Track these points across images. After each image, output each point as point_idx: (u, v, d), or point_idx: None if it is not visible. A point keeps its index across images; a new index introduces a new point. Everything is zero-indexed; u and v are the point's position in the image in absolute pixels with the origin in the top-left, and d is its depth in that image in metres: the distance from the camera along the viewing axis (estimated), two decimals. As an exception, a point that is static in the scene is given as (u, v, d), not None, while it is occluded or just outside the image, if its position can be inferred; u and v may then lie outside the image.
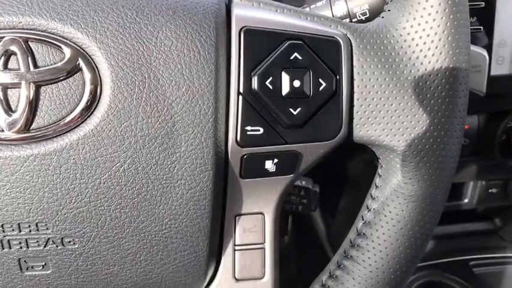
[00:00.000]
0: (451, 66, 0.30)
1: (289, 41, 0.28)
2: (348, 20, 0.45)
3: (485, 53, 0.54)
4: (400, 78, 0.30)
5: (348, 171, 0.81)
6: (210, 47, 0.27)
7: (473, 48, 0.53)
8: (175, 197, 0.28)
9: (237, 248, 0.31)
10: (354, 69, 0.30)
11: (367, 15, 0.42)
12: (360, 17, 0.43)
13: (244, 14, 0.29)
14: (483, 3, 0.53)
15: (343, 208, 0.82)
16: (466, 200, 0.81)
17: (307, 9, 0.46)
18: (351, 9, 0.44)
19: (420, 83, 0.30)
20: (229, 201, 0.30)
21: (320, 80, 0.29)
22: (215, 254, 0.31)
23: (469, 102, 0.57)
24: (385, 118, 0.30)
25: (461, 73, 0.30)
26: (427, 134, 0.30)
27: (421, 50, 0.30)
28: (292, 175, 0.30)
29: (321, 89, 0.29)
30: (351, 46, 0.30)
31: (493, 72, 0.55)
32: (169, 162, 0.27)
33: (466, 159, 0.69)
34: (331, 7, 0.45)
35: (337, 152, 0.31)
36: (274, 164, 0.29)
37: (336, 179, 0.79)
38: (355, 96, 0.30)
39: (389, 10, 0.32)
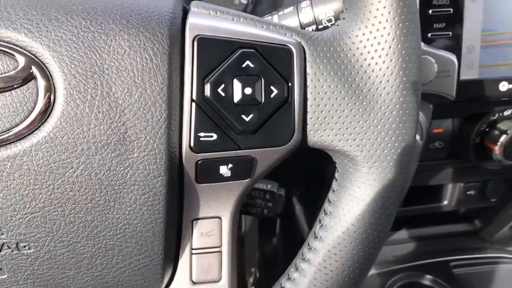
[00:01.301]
0: (401, 73, 0.30)
1: (242, 49, 0.29)
2: (314, 26, 0.45)
3: (454, 58, 0.54)
4: (351, 85, 0.30)
5: (329, 173, 0.82)
6: (163, 55, 0.28)
7: (443, 53, 0.54)
8: (128, 202, 0.28)
9: (194, 251, 0.31)
10: (307, 76, 0.30)
11: (333, 21, 0.42)
12: (325, 23, 0.43)
13: (198, 22, 0.30)
14: (451, 9, 0.53)
15: None
16: (445, 202, 0.82)
17: (276, 16, 0.46)
18: (317, 16, 0.44)
19: (371, 90, 0.30)
20: (186, 205, 0.31)
21: (272, 87, 0.29)
22: (172, 258, 0.31)
23: (441, 106, 0.58)
24: (338, 124, 0.30)
25: (411, 80, 0.30)
26: (378, 139, 0.30)
27: (372, 58, 0.30)
28: (248, 180, 0.31)
29: (272, 96, 0.29)
30: (305, 54, 0.31)
31: (463, 77, 0.56)
32: (122, 168, 0.27)
33: (442, 161, 0.69)
34: (298, 14, 0.45)
35: (293, 156, 0.32)
36: (229, 169, 0.30)
37: (316, 180, 0.80)
38: (309, 102, 0.30)
39: (344, 18, 0.32)
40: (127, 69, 0.27)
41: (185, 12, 0.31)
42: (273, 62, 0.29)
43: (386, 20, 0.30)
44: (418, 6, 0.32)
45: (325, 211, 0.33)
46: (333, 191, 0.33)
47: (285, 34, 0.31)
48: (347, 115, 0.30)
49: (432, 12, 0.53)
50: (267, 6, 0.70)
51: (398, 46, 0.30)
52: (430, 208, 0.83)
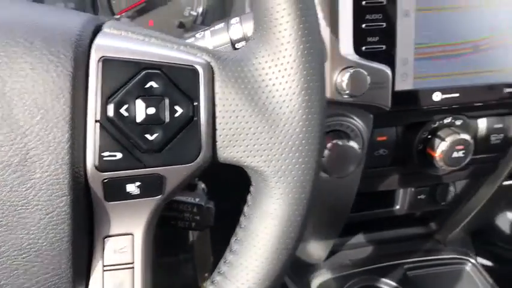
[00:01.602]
0: (303, 93, 0.31)
1: (146, 70, 0.30)
2: (244, 42, 0.46)
3: (388, 70, 0.56)
4: (257, 104, 0.31)
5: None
6: (66, 77, 0.28)
7: (377, 65, 0.56)
8: (32, 222, 0.28)
9: (106, 268, 0.32)
10: (216, 95, 0.31)
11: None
12: (254, 39, 0.44)
13: (105, 43, 0.30)
14: (384, 24, 0.55)
15: None
16: (397, 207, 0.84)
17: (208, 31, 0.47)
18: (246, 32, 0.46)
19: (276, 109, 0.31)
20: (96, 223, 0.31)
21: (176, 106, 0.30)
22: (83, 275, 0.31)
23: (384, 114, 0.59)
24: (245, 141, 0.31)
25: (314, 99, 0.32)
26: (283, 155, 0.31)
27: (276, 78, 0.31)
28: (159, 196, 0.31)
29: (177, 115, 0.30)
30: (213, 74, 0.32)
31: (398, 88, 0.58)
32: (24, 189, 0.28)
33: (387, 168, 0.71)
34: (228, 30, 0.46)
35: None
36: (137, 187, 0.30)
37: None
38: (217, 120, 0.31)
39: (253, 39, 0.33)
40: (29, 91, 0.28)
41: (96, 33, 0.31)
42: (178, 82, 0.30)
43: (288, 42, 0.31)
44: (320, 29, 0.33)
45: (240, 225, 0.34)
46: (248, 205, 0.34)
47: (196, 54, 0.32)
48: (254, 132, 0.31)
49: (365, 26, 0.54)
50: (216, 18, 0.71)
51: (300, 67, 0.31)
52: (383, 212, 0.85)
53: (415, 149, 0.69)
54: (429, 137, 0.68)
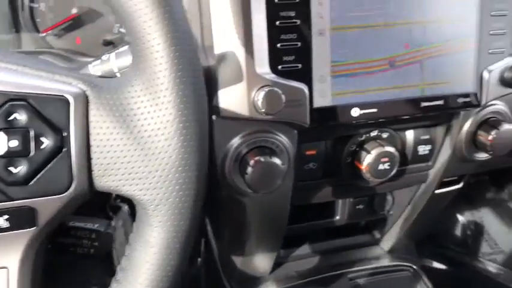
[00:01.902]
0: (177, 120, 0.31)
1: (11, 102, 0.29)
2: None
3: (305, 88, 0.57)
4: (132, 132, 0.31)
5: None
6: None
7: (293, 83, 0.57)
8: None
9: None
10: (90, 124, 0.31)
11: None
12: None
13: None
14: (299, 43, 0.56)
15: (224, 232, 0.84)
16: (337, 217, 0.85)
17: (113, 53, 0.47)
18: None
19: (151, 136, 0.32)
20: None
21: (43, 138, 0.30)
22: None
23: (307, 130, 0.60)
24: (121, 170, 0.31)
25: (188, 126, 0.32)
26: (159, 183, 0.32)
27: (151, 106, 0.32)
28: (33, 229, 0.31)
29: (43, 147, 0.30)
30: (88, 102, 0.31)
31: (316, 105, 0.59)
32: None
33: (320, 181, 0.72)
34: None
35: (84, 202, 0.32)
36: (6, 220, 0.30)
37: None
38: (92, 149, 0.31)
39: (130, 67, 0.34)
40: None
41: None
42: (46, 113, 0.30)
43: (160, 71, 0.31)
44: (198, 59, 0.33)
45: (125, 253, 0.34)
46: (131, 232, 0.34)
47: (70, 83, 0.32)
48: (129, 161, 0.31)
49: (281, 46, 0.55)
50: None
51: (173, 95, 0.31)
52: (323, 224, 0.86)
53: (343, 162, 0.70)
54: (356, 149, 0.70)
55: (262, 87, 0.55)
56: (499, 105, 0.71)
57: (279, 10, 0.54)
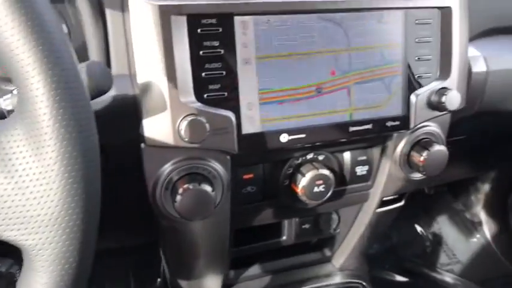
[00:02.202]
0: (57, 164, 0.31)
1: None
2: None
3: (232, 115, 0.58)
4: (14, 176, 0.31)
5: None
6: None
7: (220, 111, 0.57)
8: None
9: None
10: None
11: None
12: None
13: None
14: (224, 72, 0.57)
15: (170, 257, 0.84)
16: (284, 237, 0.85)
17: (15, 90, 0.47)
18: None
19: (32, 181, 0.31)
20: None
21: None
22: None
23: (240, 155, 0.61)
24: (1, 215, 0.31)
25: (71, 170, 0.32)
26: (41, 228, 0.31)
27: (32, 149, 0.31)
28: None
29: None
30: None
31: (245, 131, 0.60)
32: None
33: (261, 203, 0.73)
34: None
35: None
36: None
37: None
38: None
39: (16, 108, 0.33)
40: None
41: None
42: None
43: (40, 115, 0.31)
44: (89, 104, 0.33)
45: None
46: (19, 278, 0.33)
47: None
48: (9, 206, 0.31)
49: (205, 75, 0.56)
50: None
51: (54, 139, 0.31)
52: (271, 244, 0.86)
53: (281, 184, 0.71)
54: (293, 172, 0.71)
55: (186, 116, 0.55)
56: (432, 127, 0.73)
57: (202, 40, 0.55)
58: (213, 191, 0.59)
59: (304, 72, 0.61)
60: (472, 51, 0.75)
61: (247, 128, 0.60)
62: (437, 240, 1.59)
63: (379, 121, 0.66)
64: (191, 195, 0.58)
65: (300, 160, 0.70)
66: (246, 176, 0.69)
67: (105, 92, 0.47)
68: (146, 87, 0.54)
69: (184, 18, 0.54)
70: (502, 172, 1.48)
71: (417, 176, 0.76)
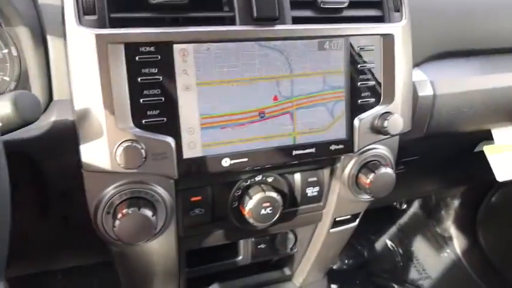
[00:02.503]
0: None
1: None
2: None
3: (171, 140, 0.58)
4: None
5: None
6: None
7: (158, 137, 0.58)
8: None
9: None
10: None
11: None
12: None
13: None
14: (163, 98, 0.58)
15: (124, 279, 0.83)
16: (240, 257, 0.86)
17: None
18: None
19: None
20: None
21: None
22: None
23: (187, 177, 0.61)
24: None
25: None
26: None
27: None
28: None
29: None
30: None
31: (187, 156, 0.60)
32: None
33: (211, 225, 0.73)
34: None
35: None
36: None
37: None
38: None
39: None
40: None
41: None
42: None
43: None
44: None
45: None
46: None
47: None
48: None
49: (144, 101, 0.57)
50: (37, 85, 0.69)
51: None
52: (228, 264, 0.86)
53: (230, 206, 0.71)
54: (242, 194, 0.71)
55: (123, 142, 0.55)
56: (380, 149, 0.75)
57: (140, 67, 0.56)
58: (153, 215, 0.59)
59: (247, 97, 0.62)
60: (419, 75, 0.77)
61: (188, 153, 0.60)
62: (408, 256, 1.60)
63: (323, 145, 0.67)
64: (130, 219, 0.58)
65: (248, 182, 0.71)
66: (194, 199, 0.69)
67: (32, 122, 0.47)
68: (83, 114, 0.55)
69: (121, 47, 0.55)
70: (471, 188, 1.50)
71: (366, 197, 0.77)
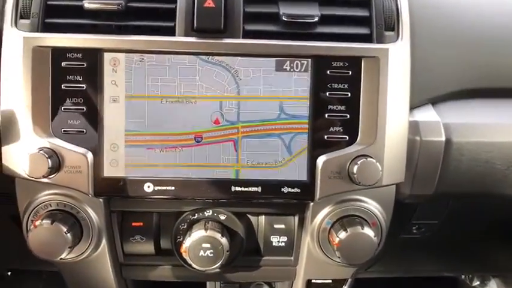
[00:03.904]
0: None
1: None
2: None
3: (88, 155, 0.53)
4: None
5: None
6: None
7: (76, 149, 0.53)
8: None
9: None
10: None
11: None
12: None
13: None
14: (85, 108, 0.53)
15: None
16: None
17: None
18: None
19: None
20: None
21: None
22: None
23: (129, 197, 0.55)
24: None
25: None
26: None
27: None
28: None
29: None
30: None
31: (107, 174, 0.54)
32: None
33: (153, 257, 0.64)
34: None
35: None
36: None
37: None
38: None
39: None
40: None
41: None
42: None
43: None
44: None
45: None
46: None
47: None
48: None
49: (65, 109, 0.53)
50: None
51: None
52: None
53: (173, 240, 0.62)
54: (187, 229, 0.62)
55: (39, 149, 0.52)
56: (366, 203, 0.58)
57: (66, 73, 0.53)
58: (68, 231, 0.54)
59: (182, 117, 0.54)
60: (430, 115, 0.59)
61: (109, 171, 0.54)
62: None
63: (273, 185, 0.55)
64: (42, 232, 0.54)
65: (196, 216, 0.62)
66: (135, 224, 0.62)
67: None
68: (7, 116, 0.53)
69: (48, 51, 0.52)
70: None
71: (338, 260, 0.60)
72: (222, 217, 0.62)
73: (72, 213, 0.57)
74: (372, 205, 0.59)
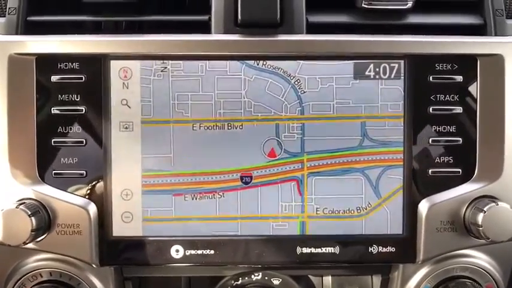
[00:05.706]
0: None
1: None
2: None
3: (90, 207, 0.37)
4: None
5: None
6: None
7: (73, 199, 0.38)
8: None
9: None
10: None
11: None
12: None
13: None
14: (85, 140, 0.37)
15: None
16: None
17: None
18: None
19: None
20: None
21: None
22: None
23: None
24: None
25: None
26: None
27: None
28: None
29: None
30: None
31: (117, 234, 0.38)
32: None
33: None
34: None
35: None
36: None
37: None
38: None
39: None
40: None
41: None
42: None
43: None
44: None
45: None
46: None
47: None
48: None
49: (55, 142, 0.38)
50: None
51: None
52: None
53: None
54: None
55: (21, 201, 0.36)
56: (477, 259, 0.42)
57: (57, 91, 0.37)
58: None
59: (223, 149, 0.38)
60: None
61: (121, 228, 0.38)
62: None
63: (356, 242, 0.38)
64: None
65: (240, 281, 0.45)
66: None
67: None
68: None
69: (32, 60, 0.37)
70: None
71: None
72: (276, 281, 0.45)
73: (71, 286, 0.41)
74: (486, 261, 0.42)
